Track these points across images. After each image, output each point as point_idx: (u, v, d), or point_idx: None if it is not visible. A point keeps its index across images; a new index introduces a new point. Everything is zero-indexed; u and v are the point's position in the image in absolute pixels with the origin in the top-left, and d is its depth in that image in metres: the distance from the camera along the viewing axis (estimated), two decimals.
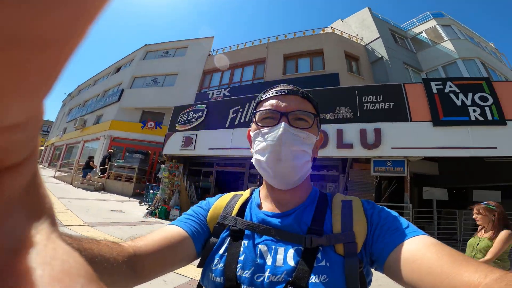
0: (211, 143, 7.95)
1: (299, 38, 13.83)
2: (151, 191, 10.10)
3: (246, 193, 0.71)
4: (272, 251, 0.56)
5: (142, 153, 13.96)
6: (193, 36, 17.85)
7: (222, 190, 11.06)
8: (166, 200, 8.74)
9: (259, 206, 0.65)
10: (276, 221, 0.59)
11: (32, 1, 0.09)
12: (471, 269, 0.38)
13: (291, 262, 0.53)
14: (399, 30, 15.24)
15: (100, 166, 13.14)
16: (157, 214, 8.12)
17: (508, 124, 5.24)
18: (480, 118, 5.40)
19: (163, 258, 0.55)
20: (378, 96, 6.19)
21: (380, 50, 13.08)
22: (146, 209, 8.85)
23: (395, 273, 0.47)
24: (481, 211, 2.72)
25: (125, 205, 9.39)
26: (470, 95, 5.62)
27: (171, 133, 9.18)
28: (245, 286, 0.53)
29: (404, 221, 0.55)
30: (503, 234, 2.48)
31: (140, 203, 10.16)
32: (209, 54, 16.62)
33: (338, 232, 0.55)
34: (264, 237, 0.58)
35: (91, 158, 13.38)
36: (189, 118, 8.85)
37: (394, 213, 0.59)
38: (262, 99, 0.66)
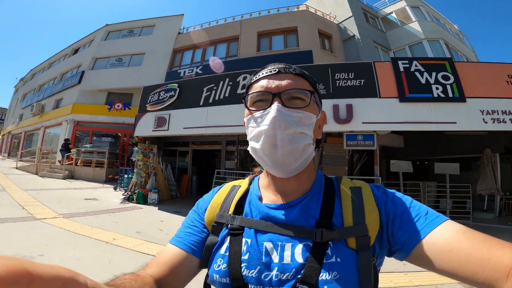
0: (186, 122, 7.75)
1: (273, 15, 13.63)
2: (126, 176, 9.80)
3: (244, 184, 0.67)
4: (279, 248, 0.53)
5: (112, 136, 13.29)
6: (160, 15, 16.94)
7: (199, 169, 11.06)
8: (142, 183, 8.50)
9: (260, 198, 0.61)
10: (280, 214, 0.56)
11: None
12: (506, 251, 0.40)
13: (299, 259, 0.51)
14: (371, 9, 15.50)
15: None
16: (134, 199, 7.90)
17: (467, 101, 5.65)
18: (442, 95, 5.76)
19: (173, 281, 0.56)
20: (350, 74, 6.36)
21: (352, 28, 13.30)
22: (122, 194, 8.59)
23: (428, 263, 0.47)
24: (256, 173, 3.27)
25: (99, 192, 9.04)
26: (433, 74, 5.96)
27: (141, 114, 8.76)
28: (252, 286, 0.52)
29: (422, 207, 0.54)
30: None
31: (115, 188, 9.85)
32: (179, 32, 15.91)
33: (349, 225, 0.52)
34: (269, 233, 0.55)
35: (68, 140, 13.23)
36: (160, 98, 8.47)
37: (407, 197, 0.56)
38: (252, 81, 0.61)
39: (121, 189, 9.73)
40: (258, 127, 0.56)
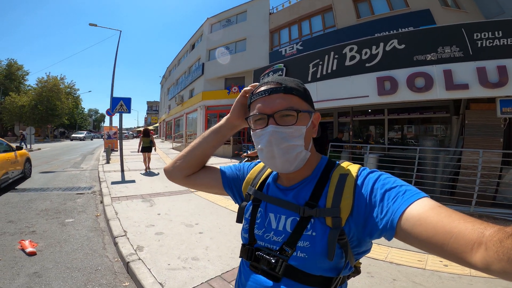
0: None
1: None
2: (248, 151, 11.12)
3: None
4: (277, 218, 0.73)
5: None
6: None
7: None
8: None
9: (276, 179, 0.81)
10: (282, 193, 0.75)
11: None
12: (468, 226, 0.43)
13: (288, 228, 0.69)
14: None
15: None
16: None
17: None
18: None
19: (203, 177, 0.94)
20: (497, 32, 5.06)
21: None
22: None
23: (407, 237, 0.52)
24: None
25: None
26: None
27: None
28: (258, 241, 0.74)
29: (402, 186, 0.59)
30: None
31: (240, 163, 11.37)
32: (270, 12, 16.04)
33: (329, 206, 0.65)
34: (273, 206, 0.75)
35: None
36: None
37: (390, 179, 0.62)
38: (252, 101, 0.73)
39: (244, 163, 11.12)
40: (260, 144, 0.71)
